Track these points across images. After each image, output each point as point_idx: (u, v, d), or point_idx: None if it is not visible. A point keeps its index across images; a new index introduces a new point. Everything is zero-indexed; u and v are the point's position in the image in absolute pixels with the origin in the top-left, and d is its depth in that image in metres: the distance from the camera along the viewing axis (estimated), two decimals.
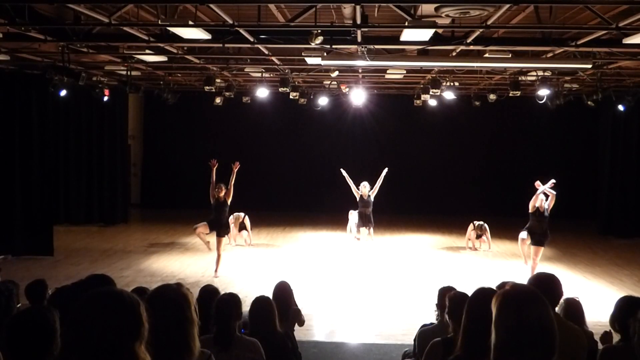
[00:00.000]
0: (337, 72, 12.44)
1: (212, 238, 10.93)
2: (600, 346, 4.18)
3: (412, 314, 8.58)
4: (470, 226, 13.65)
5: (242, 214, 13.66)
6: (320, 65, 10.64)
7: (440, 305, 4.68)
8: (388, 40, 8.95)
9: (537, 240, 10.19)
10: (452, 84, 13.95)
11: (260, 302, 4.65)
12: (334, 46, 8.73)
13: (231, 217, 13.60)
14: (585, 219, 16.92)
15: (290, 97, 14.72)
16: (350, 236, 13.44)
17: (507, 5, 6.77)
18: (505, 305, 2.24)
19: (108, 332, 1.88)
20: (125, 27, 8.13)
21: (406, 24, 7.23)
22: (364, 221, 12.50)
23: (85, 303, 1.95)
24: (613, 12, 7.51)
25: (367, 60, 9.02)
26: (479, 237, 13.63)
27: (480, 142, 18.99)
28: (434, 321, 5.04)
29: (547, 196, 10.22)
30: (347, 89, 15.27)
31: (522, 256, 10.90)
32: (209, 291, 4.81)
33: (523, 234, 10.36)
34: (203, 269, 10.85)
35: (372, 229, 12.83)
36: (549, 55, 9.87)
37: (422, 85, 14.59)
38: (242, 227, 13.65)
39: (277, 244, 14.20)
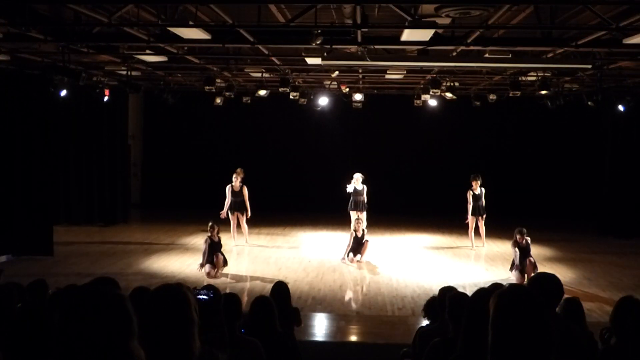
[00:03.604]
0: (337, 72, 12.44)
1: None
2: (600, 346, 4.18)
3: (411, 314, 8.59)
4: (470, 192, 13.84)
5: (241, 170, 13.56)
6: (320, 65, 10.64)
7: (440, 305, 4.69)
8: (388, 41, 8.94)
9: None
10: (452, 84, 13.94)
11: (260, 302, 4.66)
12: (334, 46, 8.74)
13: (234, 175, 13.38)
14: (585, 219, 16.91)
15: (290, 97, 14.71)
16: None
17: (507, 5, 6.78)
18: (501, 306, 2.24)
19: (98, 332, 1.88)
20: (125, 27, 8.13)
21: (406, 24, 7.23)
22: (355, 250, 12.23)
23: (70, 306, 1.95)
24: (613, 12, 7.51)
25: (367, 61, 9.02)
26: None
27: (480, 142, 18.96)
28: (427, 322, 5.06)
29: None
30: (347, 89, 15.27)
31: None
32: None
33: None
34: (203, 269, 10.83)
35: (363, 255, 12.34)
36: (549, 55, 9.87)
37: (422, 85, 14.59)
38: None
39: (277, 244, 14.20)
